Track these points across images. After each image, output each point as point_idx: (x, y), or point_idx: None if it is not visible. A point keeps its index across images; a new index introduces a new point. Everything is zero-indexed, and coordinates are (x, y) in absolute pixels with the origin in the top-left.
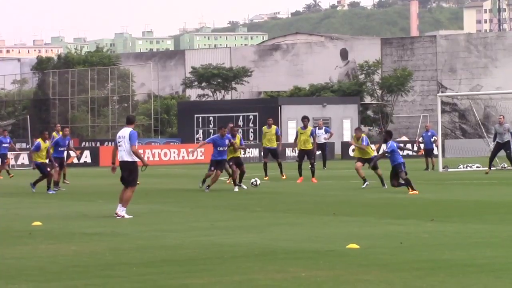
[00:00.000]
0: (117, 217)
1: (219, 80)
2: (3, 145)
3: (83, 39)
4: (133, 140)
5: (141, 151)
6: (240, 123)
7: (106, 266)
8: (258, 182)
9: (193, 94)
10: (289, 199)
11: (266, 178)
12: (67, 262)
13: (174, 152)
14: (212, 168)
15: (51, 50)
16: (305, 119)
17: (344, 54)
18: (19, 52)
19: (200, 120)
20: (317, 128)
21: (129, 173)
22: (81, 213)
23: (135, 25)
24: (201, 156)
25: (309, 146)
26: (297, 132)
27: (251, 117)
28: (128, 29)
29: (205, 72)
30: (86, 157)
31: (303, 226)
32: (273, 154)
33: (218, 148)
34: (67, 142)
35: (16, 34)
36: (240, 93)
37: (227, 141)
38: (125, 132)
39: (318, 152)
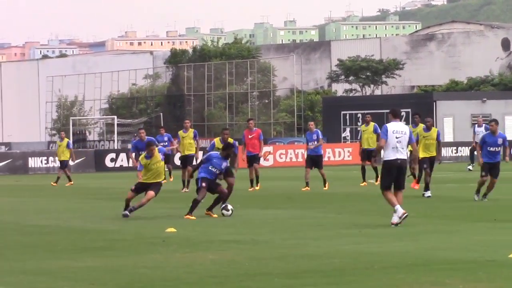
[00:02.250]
0: (392, 226)
1: (368, 74)
2: (161, 144)
3: (220, 30)
4: (413, 138)
5: (282, 150)
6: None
7: (245, 276)
8: None
9: (339, 88)
10: (444, 204)
11: (363, 184)
12: (204, 271)
13: None
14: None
15: (186, 42)
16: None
17: (506, 44)
18: (151, 44)
19: (348, 117)
20: (476, 125)
21: (402, 172)
22: (217, 219)
23: (276, 14)
24: (348, 157)
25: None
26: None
27: (403, 114)
28: (268, 19)
29: (353, 65)
30: None
31: (461, 234)
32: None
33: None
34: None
35: (149, 25)
36: (391, 88)
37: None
38: (403, 127)
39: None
